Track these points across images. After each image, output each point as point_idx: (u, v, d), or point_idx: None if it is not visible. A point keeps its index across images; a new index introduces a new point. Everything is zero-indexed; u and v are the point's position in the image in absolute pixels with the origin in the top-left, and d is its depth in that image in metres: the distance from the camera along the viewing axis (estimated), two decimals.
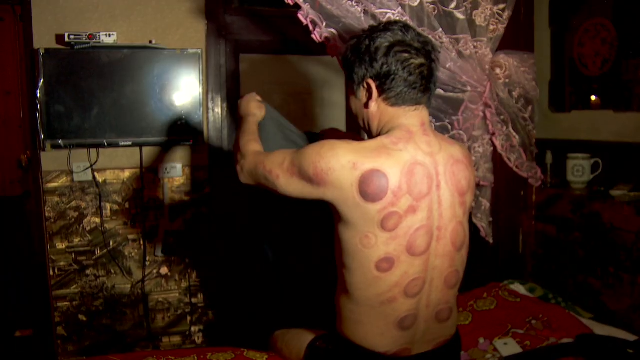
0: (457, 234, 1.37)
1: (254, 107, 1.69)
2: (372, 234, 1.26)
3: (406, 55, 1.30)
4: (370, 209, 1.25)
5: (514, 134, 2.23)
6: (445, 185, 1.34)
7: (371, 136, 1.39)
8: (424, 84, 1.33)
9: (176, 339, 2.75)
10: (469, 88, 2.10)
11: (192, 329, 2.76)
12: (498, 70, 2.17)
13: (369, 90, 1.35)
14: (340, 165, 1.25)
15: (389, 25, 1.35)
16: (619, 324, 1.94)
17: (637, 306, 1.92)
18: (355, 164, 1.24)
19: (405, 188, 1.26)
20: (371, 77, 1.34)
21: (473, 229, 2.35)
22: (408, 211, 1.27)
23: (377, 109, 1.37)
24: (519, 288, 2.22)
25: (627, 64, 2.13)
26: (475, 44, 2.08)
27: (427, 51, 1.34)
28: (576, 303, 2.14)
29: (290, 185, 1.34)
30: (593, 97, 2.33)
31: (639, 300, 1.92)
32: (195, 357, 1.64)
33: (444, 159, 1.35)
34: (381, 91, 1.34)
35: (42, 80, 2.30)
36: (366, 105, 1.38)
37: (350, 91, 1.42)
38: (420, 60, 1.31)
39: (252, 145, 1.52)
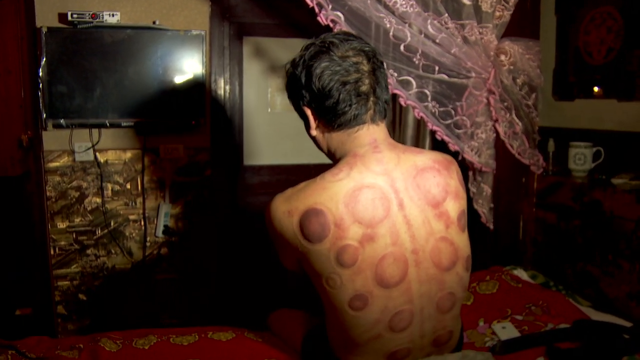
0: (439, 252, 1.23)
1: None
2: (335, 274, 1.18)
3: (335, 76, 1.21)
4: (321, 249, 1.17)
5: (517, 120, 2.23)
6: (410, 202, 1.22)
7: (335, 161, 1.31)
8: (361, 102, 1.23)
9: (176, 319, 2.76)
10: (473, 74, 2.09)
11: (192, 309, 2.78)
12: (503, 57, 2.17)
13: (307, 117, 1.30)
14: (278, 219, 1.22)
15: (312, 46, 1.25)
16: (617, 312, 1.95)
17: (635, 294, 1.94)
18: (289, 211, 1.20)
19: (349, 218, 1.16)
20: (305, 104, 1.28)
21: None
22: (364, 241, 1.17)
23: (321, 135, 1.31)
24: (521, 274, 2.23)
25: (632, 53, 2.12)
26: (480, 30, 2.07)
27: (366, 61, 1.24)
28: (575, 290, 2.15)
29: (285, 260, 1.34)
30: (596, 87, 2.32)
31: (637, 287, 1.93)
32: (196, 335, 1.66)
33: (402, 173, 1.23)
34: (317, 116, 1.28)
35: (44, 60, 2.29)
36: (311, 132, 1.32)
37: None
38: (352, 77, 1.21)
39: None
